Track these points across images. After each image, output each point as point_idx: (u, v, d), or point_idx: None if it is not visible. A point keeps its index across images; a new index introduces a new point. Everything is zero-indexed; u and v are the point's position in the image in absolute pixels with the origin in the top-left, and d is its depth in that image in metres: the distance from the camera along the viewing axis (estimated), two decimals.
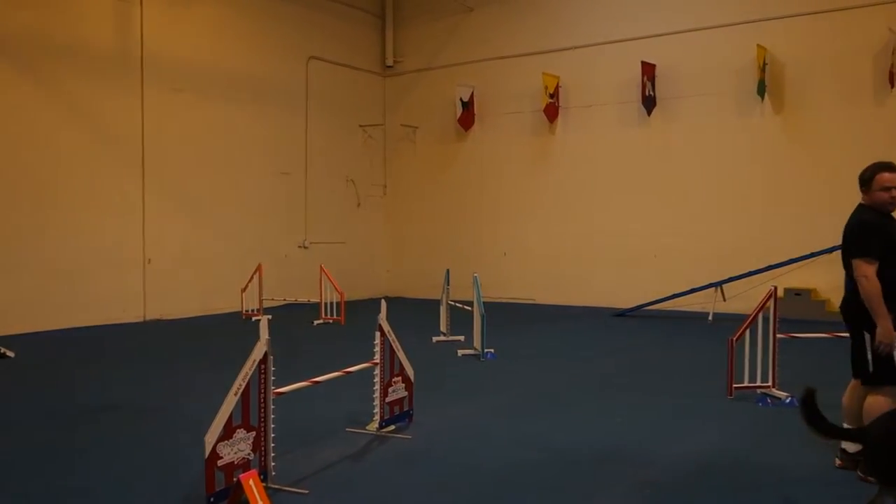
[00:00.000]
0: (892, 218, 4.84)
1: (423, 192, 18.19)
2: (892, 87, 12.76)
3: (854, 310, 4.76)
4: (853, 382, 4.93)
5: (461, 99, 17.10)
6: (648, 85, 15.02)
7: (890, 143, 12.41)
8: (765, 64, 13.79)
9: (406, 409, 6.06)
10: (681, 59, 14.88)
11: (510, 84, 16.86)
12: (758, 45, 13.73)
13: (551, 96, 15.98)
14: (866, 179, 4.84)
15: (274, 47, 15.68)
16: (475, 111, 17.22)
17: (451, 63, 17.57)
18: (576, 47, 15.95)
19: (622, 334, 11.72)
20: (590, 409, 6.56)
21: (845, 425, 4.76)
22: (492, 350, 9.32)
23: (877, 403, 4.53)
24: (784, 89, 14.03)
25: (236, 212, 14.86)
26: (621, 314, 14.13)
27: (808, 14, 13.62)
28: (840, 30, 13.39)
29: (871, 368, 4.64)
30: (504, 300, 16.34)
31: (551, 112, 16.08)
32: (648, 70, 14.99)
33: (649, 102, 15.06)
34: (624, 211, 15.56)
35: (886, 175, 4.74)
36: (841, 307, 4.96)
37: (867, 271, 4.57)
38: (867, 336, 4.65)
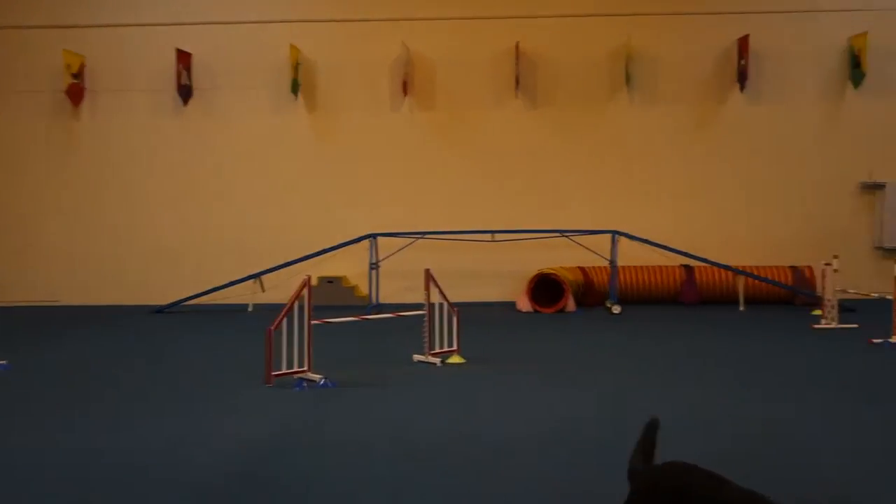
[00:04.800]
0: None
1: None
2: (406, 94, 14.38)
3: None
4: None
5: None
6: (184, 74, 14.61)
7: (406, 145, 14.04)
8: (298, 64, 14.42)
9: None
10: (218, 50, 14.82)
11: (22, 58, 14.90)
12: (291, 45, 14.31)
13: (75, 77, 14.54)
14: None
15: None
16: None
17: None
18: (102, 26, 14.79)
19: (160, 332, 11.19)
20: (122, 419, 6.05)
21: None
22: (4, 362, 8.11)
23: None
24: (316, 90, 14.86)
25: None
26: (160, 311, 13.51)
27: (337, 21, 14.66)
28: (360, 39, 14.66)
29: None
30: (22, 303, 14.45)
31: (76, 94, 14.64)
32: (184, 58, 14.58)
33: (185, 92, 14.66)
34: (159, 203, 14.96)
35: None
36: None
37: None
38: None
